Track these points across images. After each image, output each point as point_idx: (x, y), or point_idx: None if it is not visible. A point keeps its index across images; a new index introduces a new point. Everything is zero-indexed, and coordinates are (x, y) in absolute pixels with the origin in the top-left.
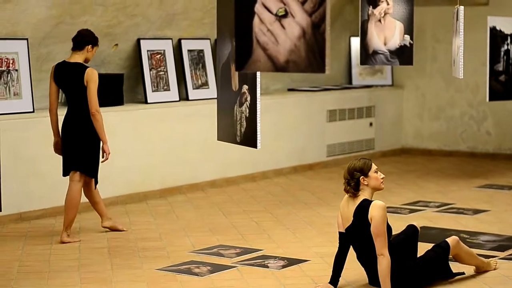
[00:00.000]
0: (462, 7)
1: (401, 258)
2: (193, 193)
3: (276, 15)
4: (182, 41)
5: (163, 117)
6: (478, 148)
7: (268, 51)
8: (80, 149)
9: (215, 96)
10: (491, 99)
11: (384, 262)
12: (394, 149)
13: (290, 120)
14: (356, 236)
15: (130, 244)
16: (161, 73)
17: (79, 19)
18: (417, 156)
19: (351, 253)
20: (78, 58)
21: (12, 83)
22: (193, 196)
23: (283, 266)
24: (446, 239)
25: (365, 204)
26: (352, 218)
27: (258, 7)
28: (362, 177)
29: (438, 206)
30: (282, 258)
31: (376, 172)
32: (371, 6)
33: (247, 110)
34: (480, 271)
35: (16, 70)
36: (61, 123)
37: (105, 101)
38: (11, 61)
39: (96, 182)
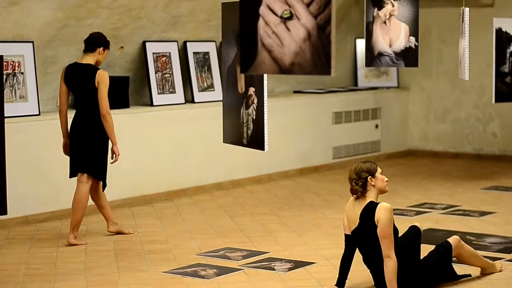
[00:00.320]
0: (467, 9)
1: (406, 260)
2: (199, 196)
3: (281, 17)
4: (188, 43)
5: (168, 120)
6: (484, 150)
7: (273, 53)
8: (88, 151)
9: (221, 99)
10: (497, 100)
11: (390, 264)
12: (400, 151)
13: (296, 123)
14: (363, 239)
15: (136, 247)
16: (166, 75)
17: (85, 22)
18: (423, 158)
19: (357, 255)
20: (89, 59)
21: (18, 86)
22: (199, 198)
23: (290, 269)
24: (448, 239)
25: (372, 206)
26: (358, 221)
27: (262, 9)
28: (369, 177)
29: (444, 208)
30: (289, 261)
31: (381, 173)
32: (376, 8)
33: (254, 112)
34: (485, 272)
35: (22, 73)
36: (70, 124)
37: (110, 104)
38: (17, 64)
39: (105, 185)
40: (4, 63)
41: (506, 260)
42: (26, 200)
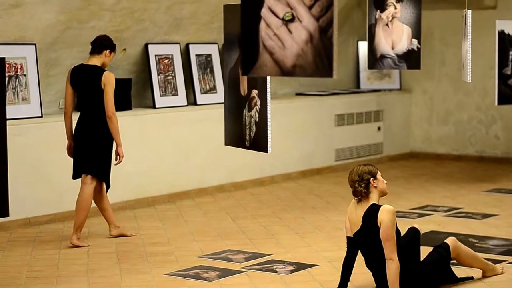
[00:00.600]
0: (469, 11)
1: (407, 262)
2: (201, 198)
3: (283, 19)
4: (190, 45)
5: (171, 122)
6: (487, 152)
7: (274, 56)
8: (92, 152)
9: (223, 101)
10: (499, 103)
11: (393, 267)
12: (402, 153)
13: (298, 125)
14: (365, 241)
15: (139, 249)
16: (169, 77)
17: (87, 24)
18: (426, 160)
19: (359, 258)
20: (96, 61)
21: (21, 88)
22: (201, 200)
23: (292, 271)
24: (444, 241)
25: (374, 208)
26: (360, 223)
27: (264, 12)
28: (372, 178)
29: (446, 211)
30: (291, 263)
31: (381, 176)
32: (378, 10)
33: (257, 115)
34: (487, 275)
35: (25, 75)
36: (74, 126)
37: None
38: (19, 66)
39: (108, 186)
40: (7, 65)
41: (509, 263)
42: (28, 202)
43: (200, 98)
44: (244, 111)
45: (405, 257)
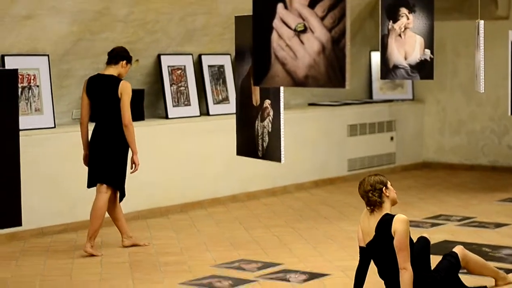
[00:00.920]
0: (482, 21)
1: (420, 271)
2: (214, 208)
3: (295, 30)
4: (203, 56)
5: (183, 132)
6: (499, 162)
7: (286, 66)
8: (107, 161)
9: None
10: None
11: (406, 276)
12: (415, 163)
13: (311, 135)
14: (379, 250)
15: (152, 258)
16: (181, 88)
17: (100, 35)
18: (438, 170)
19: (372, 267)
20: (112, 71)
21: (34, 99)
22: (214, 210)
23: (305, 280)
24: (452, 249)
25: (388, 218)
26: (373, 233)
27: (276, 23)
28: (384, 188)
29: (459, 220)
30: (304, 272)
31: (391, 185)
32: (391, 21)
33: (270, 125)
34: (499, 283)
35: (37, 86)
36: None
37: None
38: (32, 77)
39: (123, 195)
40: (20, 76)
41: None
42: (41, 212)
43: (213, 108)
44: (257, 121)
45: (417, 266)
